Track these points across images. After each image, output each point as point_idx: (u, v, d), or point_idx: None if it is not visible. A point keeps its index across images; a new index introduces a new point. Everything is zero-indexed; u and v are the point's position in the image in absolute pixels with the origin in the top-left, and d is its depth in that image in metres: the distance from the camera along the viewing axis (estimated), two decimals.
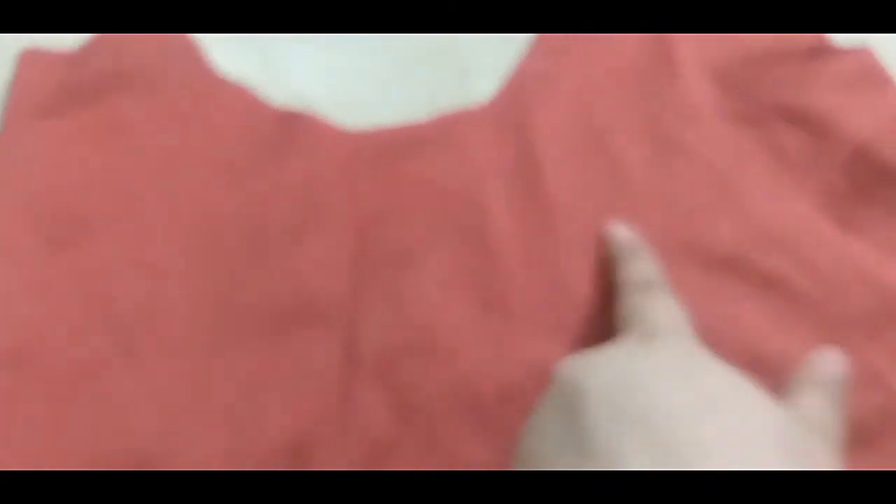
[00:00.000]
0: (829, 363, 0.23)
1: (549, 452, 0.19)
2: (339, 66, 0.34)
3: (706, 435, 0.17)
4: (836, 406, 0.22)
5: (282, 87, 0.33)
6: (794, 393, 0.22)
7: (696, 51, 0.33)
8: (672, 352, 0.21)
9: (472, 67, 0.33)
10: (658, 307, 0.24)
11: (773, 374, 0.25)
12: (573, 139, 0.30)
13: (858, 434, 0.22)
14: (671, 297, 0.24)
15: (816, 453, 0.19)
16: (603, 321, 0.26)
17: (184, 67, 0.32)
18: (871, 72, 0.32)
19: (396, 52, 0.34)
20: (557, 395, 0.20)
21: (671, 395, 0.18)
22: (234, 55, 0.33)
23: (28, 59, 0.33)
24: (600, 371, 0.20)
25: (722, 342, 0.26)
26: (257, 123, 0.31)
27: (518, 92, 0.32)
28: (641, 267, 0.26)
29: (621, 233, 0.28)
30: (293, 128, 0.31)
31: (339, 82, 0.33)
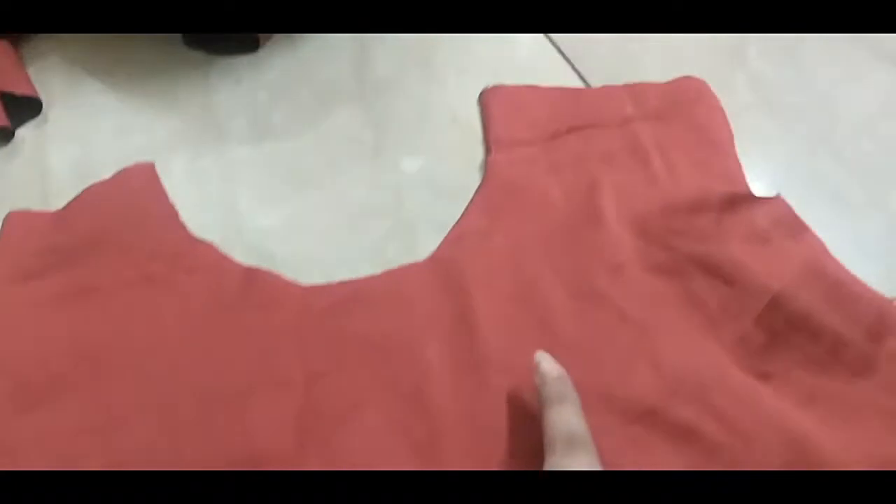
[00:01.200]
0: None
1: None
2: (297, 221, 0.37)
3: None
4: None
5: (245, 243, 0.35)
6: None
7: (619, 203, 0.35)
8: None
9: (416, 224, 0.36)
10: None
11: None
12: (505, 293, 0.33)
13: None
14: (594, 455, 0.25)
15: None
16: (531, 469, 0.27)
17: (158, 228, 0.35)
18: (784, 220, 0.34)
19: (348, 209, 0.37)
20: None
21: None
22: (203, 213, 0.36)
23: (13, 222, 0.35)
24: None
25: None
26: (220, 281, 0.33)
27: (456, 247, 0.34)
28: (567, 416, 0.27)
29: (547, 366, 0.28)
30: (252, 284, 0.33)
31: (297, 237, 0.36)
